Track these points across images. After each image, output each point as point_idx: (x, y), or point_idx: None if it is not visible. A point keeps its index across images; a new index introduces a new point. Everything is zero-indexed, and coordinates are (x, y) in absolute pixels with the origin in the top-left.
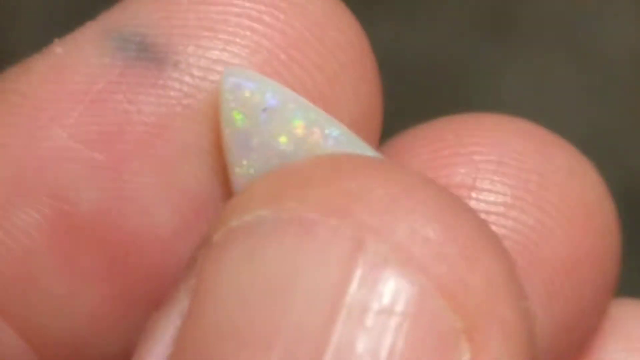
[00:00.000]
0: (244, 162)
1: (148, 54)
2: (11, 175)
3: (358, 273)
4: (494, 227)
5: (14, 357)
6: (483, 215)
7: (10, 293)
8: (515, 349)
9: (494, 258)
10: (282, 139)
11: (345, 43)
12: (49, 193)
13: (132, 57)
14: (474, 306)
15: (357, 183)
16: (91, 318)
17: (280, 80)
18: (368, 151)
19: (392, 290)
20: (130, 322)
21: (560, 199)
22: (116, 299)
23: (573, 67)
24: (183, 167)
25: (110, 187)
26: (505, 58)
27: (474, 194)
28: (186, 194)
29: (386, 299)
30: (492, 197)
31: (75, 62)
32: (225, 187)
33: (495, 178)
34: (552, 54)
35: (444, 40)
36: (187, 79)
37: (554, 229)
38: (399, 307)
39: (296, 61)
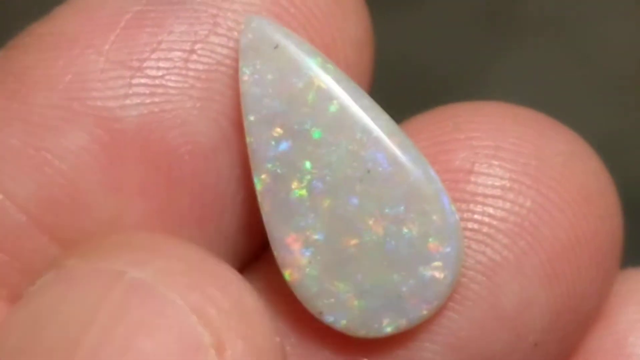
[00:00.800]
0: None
1: None
2: (57, 101)
3: (114, 294)
4: (491, 210)
5: None
6: (481, 199)
7: (61, 216)
8: None
9: (245, 293)
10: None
11: None
12: (94, 113)
13: None
14: (223, 324)
15: (126, 239)
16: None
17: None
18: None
19: (147, 306)
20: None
21: (559, 182)
22: (162, 214)
23: (571, 63)
24: (218, 82)
25: (150, 102)
26: (502, 54)
27: (472, 178)
28: (224, 108)
29: (139, 314)
30: (490, 181)
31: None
32: None
33: (493, 162)
34: (550, 50)
35: (440, 37)
36: (210, 1)
37: (552, 211)
38: (151, 321)
39: None
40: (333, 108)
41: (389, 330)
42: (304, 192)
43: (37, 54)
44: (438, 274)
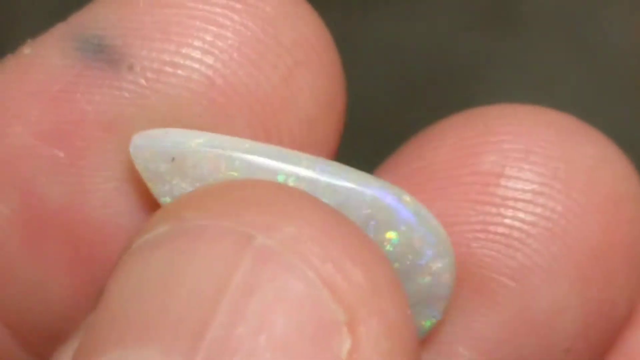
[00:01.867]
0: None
1: (104, 55)
2: None
3: (244, 264)
4: (522, 214)
5: None
6: (511, 203)
7: None
8: (396, 343)
9: (378, 262)
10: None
11: (302, 40)
12: (16, 188)
13: (89, 58)
14: (356, 300)
15: (251, 192)
16: (62, 304)
17: (233, 81)
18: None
19: (278, 279)
20: None
21: (589, 186)
22: (84, 287)
23: (576, 60)
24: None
25: (71, 181)
26: (507, 51)
27: (502, 182)
28: (144, 186)
29: (271, 288)
30: (520, 185)
31: (40, 63)
32: None
33: (523, 166)
34: (555, 47)
35: (445, 33)
36: (141, 81)
37: (583, 216)
38: (284, 296)
39: (250, 60)
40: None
41: (428, 325)
42: None
43: None
44: (434, 269)
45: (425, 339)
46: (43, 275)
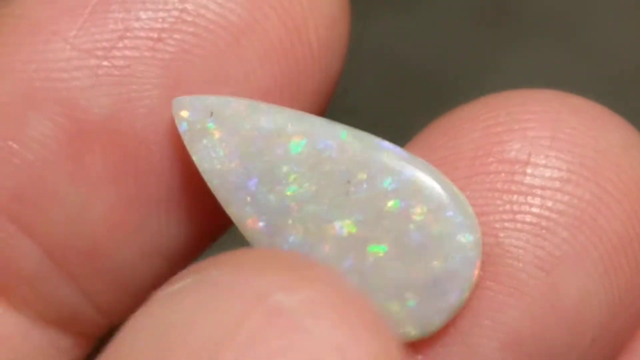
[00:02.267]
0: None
1: None
2: (23, 90)
3: (255, 317)
4: (550, 203)
5: (33, 268)
6: (539, 191)
7: (27, 204)
8: None
9: (391, 336)
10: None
11: None
12: (60, 102)
13: None
14: None
15: (272, 257)
16: (106, 223)
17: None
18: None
19: (286, 337)
20: (145, 225)
21: (616, 174)
22: (129, 203)
23: (574, 61)
24: (185, 67)
25: (117, 91)
26: (504, 54)
27: (529, 170)
28: (190, 94)
29: (278, 345)
30: (547, 173)
31: None
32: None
33: (550, 153)
34: (553, 48)
35: (442, 36)
36: None
37: (610, 204)
38: (289, 354)
39: None
40: (289, 142)
41: (443, 318)
42: (300, 232)
43: (0, 39)
44: (461, 241)
45: (450, 331)
46: (87, 193)
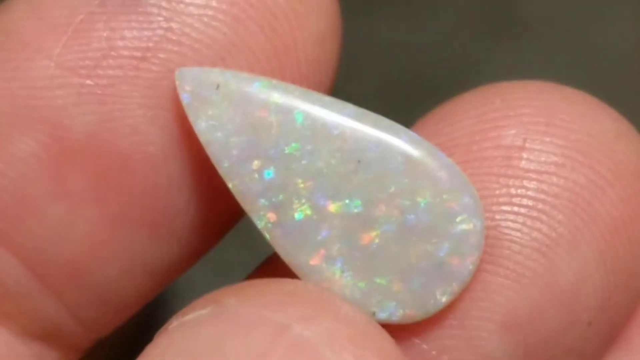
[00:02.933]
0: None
1: None
2: (6, 107)
3: (279, 350)
4: (546, 186)
5: (16, 284)
6: (535, 175)
7: (10, 221)
8: None
9: None
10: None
11: None
12: (43, 121)
13: None
14: None
15: (291, 288)
16: (88, 241)
17: None
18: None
19: None
20: (128, 244)
21: (611, 158)
22: (112, 221)
23: (577, 62)
24: (169, 89)
25: (100, 110)
26: (497, 53)
27: (525, 154)
28: (174, 116)
29: None
30: (543, 157)
31: None
32: None
33: (545, 139)
34: (556, 49)
35: (445, 35)
36: (164, 4)
37: (605, 187)
38: None
39: None
40: (298, 118)
41: (445, 299)
42: (307, 209)
43: None
44: (467, 226)
45: (447, 313)
46: (70, 211)
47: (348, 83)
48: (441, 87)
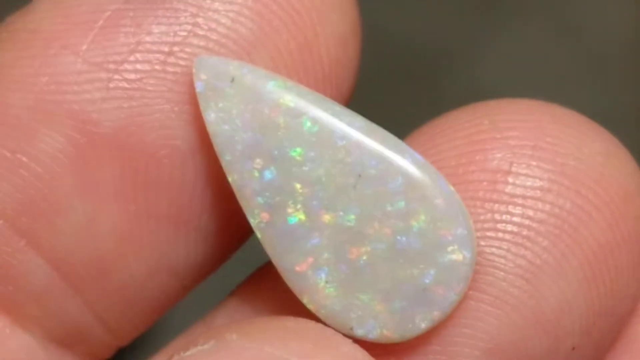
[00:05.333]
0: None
1: None
2: (33, 103)
3: None
4: (531, 212)
5: (41, 284)
6: (520, 200)
7: (36, 217)
8: None
9: None
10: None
11: None
12: (71, 115)
13: None
14: None
15: (292, 325)
16: (114, 238)
17: None
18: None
19: None
20: (154, 241)
21: (598, 183)
22: (139, 217)
23: (560, 45)
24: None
25: (128, 105)
26: (493, 34)
27: (510, 179)
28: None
29: None
30: (529, 182)
31: None
32: None
33: (531, 162)
34: (543, 33)
35: (431, 17)
36: (191, 1)
37: (591, 213)
38: None
39: None
40: (307, 123)
41: (423, 326)
42: (301, 215)
43: (13, 52)
44: (456, 257)
45: (430, 340)
46: (96, 207)
47: None
48: (433, 66)
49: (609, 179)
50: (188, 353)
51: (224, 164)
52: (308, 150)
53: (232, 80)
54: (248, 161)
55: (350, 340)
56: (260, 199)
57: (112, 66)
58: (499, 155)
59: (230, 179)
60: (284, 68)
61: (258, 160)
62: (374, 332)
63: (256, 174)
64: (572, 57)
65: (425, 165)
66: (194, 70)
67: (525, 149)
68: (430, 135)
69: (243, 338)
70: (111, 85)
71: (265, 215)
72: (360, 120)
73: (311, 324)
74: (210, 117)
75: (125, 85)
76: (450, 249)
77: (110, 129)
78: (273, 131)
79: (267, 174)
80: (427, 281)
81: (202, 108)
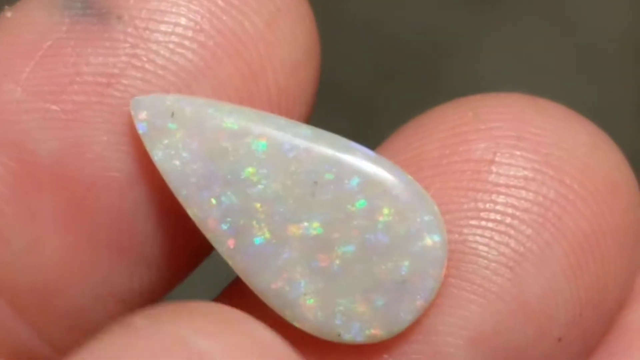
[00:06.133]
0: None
1: (92, 10)
2: None
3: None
4: (514, 201)
5: None
6: (503, 189)
7: None
8: None
9: None
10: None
11: None
12: (8, 144)
13: (78, 14)
14: None
15: (196, 308)
16: (55, 265)
17: (219, 25)
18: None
19: None
20: (96, 268)
21: (583, 172)
22: (79, 246)
23: (556, 39)
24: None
25: (65, 135)
26: (488, 28)
27: (494, 168)
28: (139, 142)
29: None
30: (512, 171)
31: (25, 23)
32: None
33: (515, 152)
34: (538, 27)
35: (425, 11)
36: (130, 30)
37: (576, 202)
38: None
39: (234, 6)
40: (254, 142)
41: (409, 317)
42: (266, 233)
43: None
44: (427, 243)
45: (415, 328)
46: (36, 235)
47: (334, 58)
48: (426, 61)
49: (594, 169)
50: (95, 337)
51: (181, 199)
52: (260, 168)
53: (172, 115)
54: (204, 191)
55: (263, 324)
56: (223, 226)
57: (50, 96)
58: (482, 145)
59: (190, 213)
60: (226, 99)
61: (214, 188)
62: (361, 334)
63: (214, 201)
64: (568, 52)
65: (379, 160)
66: (131, 112)
67: (509, 139)
68: (413, 130)
69: (146, 321)
70: (48, 115)
71: (231, 242)
72: (305, 128)
73: (224, 307)
74: (158, 155)
75: (62, 116)
76: (419, 236)
77: (47, 158)
78: (222, 156)
79: (225, 200)
80: (403, 273)
81: (148, 148)
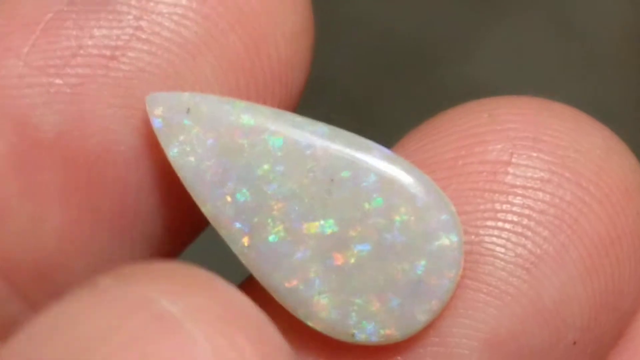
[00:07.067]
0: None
1: None
2: None
3: (137, 320)
4: (531, 202)
5: None
6: (520, 190)
7: None
8: None
9: (276, 346)
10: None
11: None
12: (11, 119)
13: None
14: None
15: (163, 268)
16: (57, 238)
17: None
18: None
19: (167, 342)
20: (96, 243)
21: (599, 175)
22: (82, 220)
23: (555, 39)
24: (138, 89)
25: (69, 109)
26: (488, 27)
27: (510, 169)
28: (145, 115)
29: (157, 349)
30: (529, 173)
31: None
32: None
33: (532, 154)
34: (535, 26)
35: (427, 10)
36: (134, 2)
37: (592, 205)
38: (172, 357)
39: None
40: (270, 139)
41: (424, 319)
42: (281, 232)
43: None
44: (444, 243)
45: (429, 330)
46: (38, 209)
47: (331, 54)
48: (425, 60)
49: (609, 172)
50: (61, 296)
51: (195, 196)
52: (276, 165)
53: (188, 111)
54: (219, 188)
55: (234, 286)
56: (237, 224)
57: (53, 70)
58: (498, 146)
59: (204, 210)
60: (231, 70)
61: (229, 186)
62: (375, 334)
63: (229, 199)
64: (566, 52)
65: (396, 159)
66: (147, 108)
67: (526, 140)
68: (426, 132)
69: (113, 281)
70: (52, 89)
71: (245, 239)
72: (322, 126)
73: (195, 268)
74: (174, 152)
75: (67, 89)
76: (436, 236)
77: (51, 133)
78: (238, 153)
79: (240, 197)
80: (419, 272)
81: (163, 145)
